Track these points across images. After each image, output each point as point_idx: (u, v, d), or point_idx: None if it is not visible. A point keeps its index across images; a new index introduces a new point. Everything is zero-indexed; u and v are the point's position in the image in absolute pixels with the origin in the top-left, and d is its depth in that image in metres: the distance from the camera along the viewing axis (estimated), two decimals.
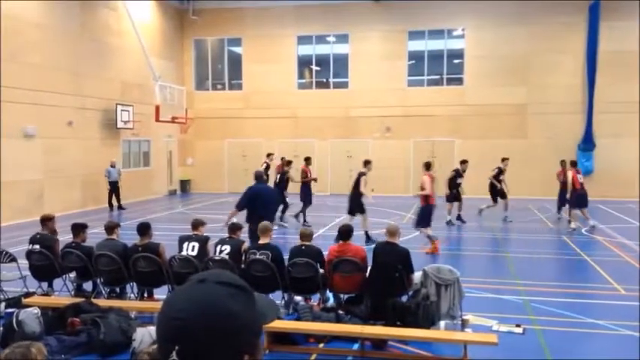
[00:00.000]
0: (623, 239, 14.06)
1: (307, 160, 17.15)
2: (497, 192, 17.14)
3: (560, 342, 7.08)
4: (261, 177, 10.55)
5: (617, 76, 22.96)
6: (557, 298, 8.96)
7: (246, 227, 9.53)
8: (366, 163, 14.01)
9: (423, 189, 12.49)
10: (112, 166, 20.34)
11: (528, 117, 24.06)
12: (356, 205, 13.34)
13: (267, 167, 17.06)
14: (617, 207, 20.15)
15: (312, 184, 16.93)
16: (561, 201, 17.23)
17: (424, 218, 12.43)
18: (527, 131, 24.08)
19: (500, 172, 17.12)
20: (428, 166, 13.03)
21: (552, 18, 23.60)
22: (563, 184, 16.58)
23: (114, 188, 20.18)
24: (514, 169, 23.53)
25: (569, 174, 15.48)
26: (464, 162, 16.78)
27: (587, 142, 23.31)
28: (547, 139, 23.64)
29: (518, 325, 7.48)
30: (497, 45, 24.16)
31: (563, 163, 17.23)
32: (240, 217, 9.88)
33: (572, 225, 15.18)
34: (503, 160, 17.40)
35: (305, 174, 16.62)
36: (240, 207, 10.12)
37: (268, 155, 18.13)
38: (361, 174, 13.55)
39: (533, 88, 23.89)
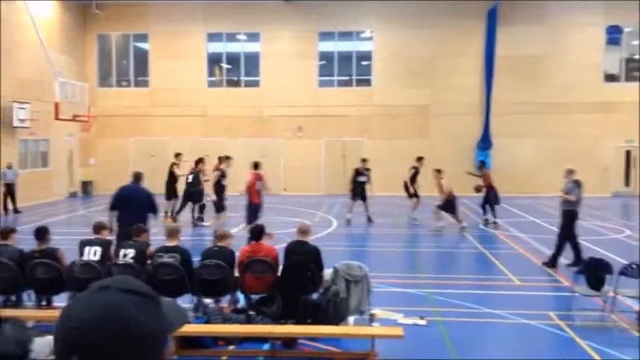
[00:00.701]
0: (518, 232, 15.00)
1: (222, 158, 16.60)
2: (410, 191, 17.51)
3: (461, 332, 7.46)
4: (137, 176, 10.15)
5: (513, 79, 24.40)
6: (458, 290, 9.42)
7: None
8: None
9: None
10: (9, 167, 19.18)
11: (431, 118, 25.03)
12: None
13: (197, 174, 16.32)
14: (512, 202, 21.37)
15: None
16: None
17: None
18: (429, 131, 25.05)
19: (417, 171, 17.39)
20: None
21: (454, 22, 24.67)
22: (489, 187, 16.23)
23: (9, 190, 19.01)
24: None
25: (443, 182, 15.59)
26: (364, 160, 17.11)
27: (485, 142, 24.60)
28: (448, 139, 24.67)
29: (422, 318, 7.81)
30: (403, 47, 24.95)
31: (480, 163, 17.45)
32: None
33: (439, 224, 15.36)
34: (419, 159, 17.59)
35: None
36: (112, 207, 9.73)
37: (177, 155, 17.33)
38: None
39: (436, 89, 24.89)
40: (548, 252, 11.30)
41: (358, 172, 16.74)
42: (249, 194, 12.70)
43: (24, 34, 21.01)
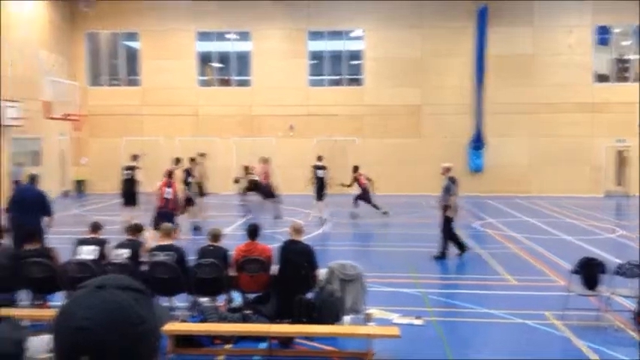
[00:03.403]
0: (512, 232, 15.06)
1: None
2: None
3: (457, 332, 7.48)
4: (32, 178, 10.17)
5: (506, 79, 24.50)
6: (453, 290, 9.44)
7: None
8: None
9: None
10: (18, 164, 19.37)
11: (422, 117, 25.08)
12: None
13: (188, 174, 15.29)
14: (505, 202, 21.51)
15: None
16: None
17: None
18: (421, 131, 25.10)
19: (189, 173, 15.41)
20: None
21: (444, 22, 24.75)
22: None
23: None
24: (409, 167, 24.60)
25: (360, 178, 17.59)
26: (320, 157, 18.09)
27: (478, 142, 24.69)
28: (440, 139, 24.73)
29: (418, 317, 7.81)
30: (393, 47, 24.98)
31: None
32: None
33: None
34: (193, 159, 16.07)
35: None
36: (7, 210, 9.72)
37: (177, 161, 15.65)
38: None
39: (427, 89, 24.94)
40: (543, 251, 11.35)
41: (317, 168, 17.49)
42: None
43: (12, 33, 20.80)
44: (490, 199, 22.56)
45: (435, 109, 24.84)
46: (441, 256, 11.66)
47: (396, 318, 7.79)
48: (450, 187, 11.62)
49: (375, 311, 7.86)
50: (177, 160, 15.58)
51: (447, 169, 11.85)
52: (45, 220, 9.61)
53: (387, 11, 24.77)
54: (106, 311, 1.10)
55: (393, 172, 24.40)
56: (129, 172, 15.13)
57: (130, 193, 14.94)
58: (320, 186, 17.29)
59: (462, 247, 11.83)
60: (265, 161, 17.81)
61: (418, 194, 22.67)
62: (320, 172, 17.47)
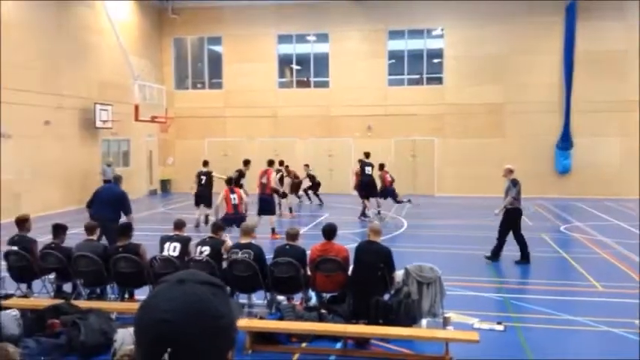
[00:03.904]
0: (601, 236, 14.29)
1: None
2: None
3: (541, 339, 7.18)
4: (116, 179, 10.78)
5: (596, 76, 23.29)
6: (537, 296, 9.08)
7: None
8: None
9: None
10: (108, 165, 20.39)
11: (506, 116, 24.30)
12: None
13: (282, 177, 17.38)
14: (594, 205, 20.44)
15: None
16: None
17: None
18: (504, 130, 24.32)
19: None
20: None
21: (530, 18, 23.85)
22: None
23: None
24: (492, 167, 23.88)
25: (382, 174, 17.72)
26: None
27: (565, 141, 23.61)
28: (524, 138, 23.89)
29: (499, 323, 7.57)
30: (475, 45, 24.36)
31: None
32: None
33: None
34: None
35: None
36: (87, 205, 10.39)
37: (246, 163, 16.56)
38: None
39: (511, 87, 24.13)
40: (634, 257, 10.71)
41: (365, 164, 17.69)
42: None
43: (104, 39, 22.05)
44: (578, 201, 21.51)
45: (519, 107, 24.00)
46: (524, 260, 11.26)
47: (476, 323, 7.59)
48: (510, 189, 11.30)
49: (453, 315, 7.69)
50: (247, 162, 16.40)
51: (510, 171, 11.54)
52: (126, 217, 10.03)
53: (469, 8, 24.18)
54: (187, 304, 1.12)
55: (474, 173, 23.81)
56: (204, 177, 16.32)
57: (205, 195, 16.16)
58: (367, 184, 17.30)
59: (496, 254, 11.44)
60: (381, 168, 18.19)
61: (501, 196, 21.96)
62: (368, 169, 17.46)
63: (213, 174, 16.56)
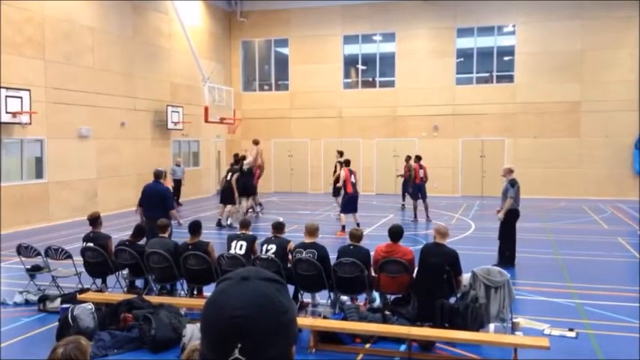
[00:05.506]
0: None
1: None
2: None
3: (615, 346, 6.84)
4: (157, 175, 10.64)
5: None
6: (612, 302, 8.65)
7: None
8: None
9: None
10: (177, 164, 21.05)
11: (582, 115, 23.32)
12: None
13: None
14: None
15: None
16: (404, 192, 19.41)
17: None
18: (580, 130, 23.35)
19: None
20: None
21: (606, 12, 22.79)
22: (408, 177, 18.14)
23: (177, 186, 20.56)
24: (567, 168, 23.01)
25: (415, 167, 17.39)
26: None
27: None
28: (602, 138, 22.86)
29: (571, 329, 7.27)
30: (548, 41, 23.52)
31: (408, 158, 18.84)
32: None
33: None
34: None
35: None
36: (139, 203, 10.61)
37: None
38: None
39: (587, 85, 23.14)
40: None
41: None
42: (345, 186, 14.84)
43: (176, 43, 22.80)
44: None
45: (596, 105, 22.97)
46: (506, 262, 10.64)
47: (546, 329, 7.32)
48: (508, 189, 10.87)
49: (522, 320, 7.45)
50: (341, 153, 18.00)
51: (510, 171, 11.13)
52: (168, 213, 10.21)
53: (541, 4, 23.38)
54: (255, 300, 1.14)
55: (547, 174, 23.02)
56: (231, 174, 16.63)
57: (249, 184, 16.83)
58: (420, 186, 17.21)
59: (503, 258, 10.89)
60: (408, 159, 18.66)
61: (576, 198, 21.15)
62: (420, 172, 17.26)
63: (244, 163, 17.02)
